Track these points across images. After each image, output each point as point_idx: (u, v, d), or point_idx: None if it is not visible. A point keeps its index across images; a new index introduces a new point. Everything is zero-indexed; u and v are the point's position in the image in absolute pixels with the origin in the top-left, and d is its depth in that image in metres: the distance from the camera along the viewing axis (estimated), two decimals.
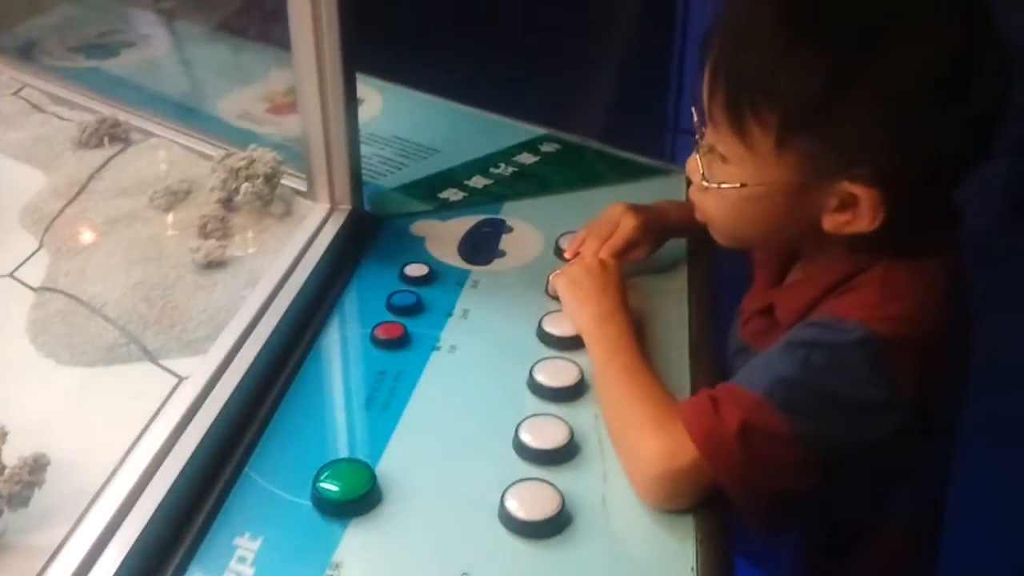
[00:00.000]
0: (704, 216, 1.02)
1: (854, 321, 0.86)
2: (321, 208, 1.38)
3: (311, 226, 1.33)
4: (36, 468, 0.93)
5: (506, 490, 0.89)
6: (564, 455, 0.96)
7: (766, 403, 0.84)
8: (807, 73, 0.83)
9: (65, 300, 1.28)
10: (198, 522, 0.91)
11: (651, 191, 1.18)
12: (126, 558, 0.85)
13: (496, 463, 0.95)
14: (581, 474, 0.94)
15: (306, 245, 1.29)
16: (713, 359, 1.12)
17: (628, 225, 1.20)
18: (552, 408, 1.03)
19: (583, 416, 1.01)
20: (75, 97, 1.99)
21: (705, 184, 0.97)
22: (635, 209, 1.22)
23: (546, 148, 1.66)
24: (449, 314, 1.21)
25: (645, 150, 1.61)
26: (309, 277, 1.24)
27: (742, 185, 0.92)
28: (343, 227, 1.34)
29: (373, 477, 0.93)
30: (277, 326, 1.14)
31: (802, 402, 0.85)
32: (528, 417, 0.99)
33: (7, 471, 0.91)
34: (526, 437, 0.96)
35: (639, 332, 1.09)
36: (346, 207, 1.38)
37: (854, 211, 0.88)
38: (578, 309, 1.11)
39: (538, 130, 1.73)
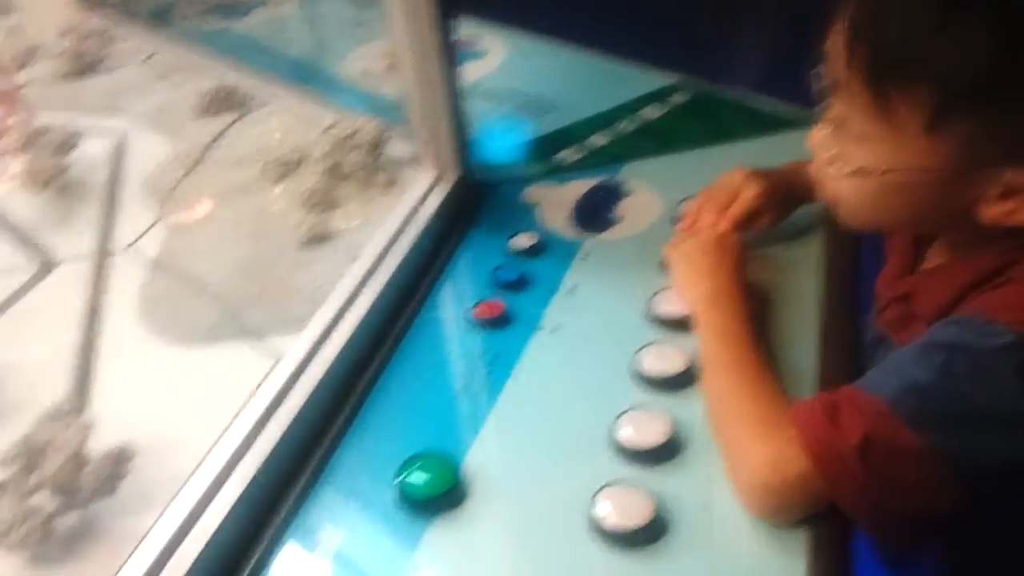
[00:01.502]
0: (831, 197, 0.91)
1: (1002, 325, 0.75)
2: (426, 177, 1.35)
3: (414, 197, 1.31)
4: (120, 460, 0.96)
5: (596, 494, 0.85)
6: (664, 454, 0.90)
7: (894, 414, 0.75)
8: (971, 43, 0.73)
9: (175, 276, 1.32)
10: (281, 512, 0.92)
11: (791, 148, 1.08)
12: (206, 547, 0.87)
13: (590, 461, 0.91)
14: (683, 476, 0.88)
15: (408, 217, 1.27)
16: (846, 349, 1.02)
17: (750, 193, 1.11)
18: (656, 399, 0.97)
19: (689, 409, 0.94)
20: (200, 63, 2.06)
21: (834, 168, 0.88)
22: (758, 175, 1.12)
23: (675, 99, 1.57)
24: (555, 290, 1.16)
25: (791, 101, 1.49)
26: (409, 252, 1.22)
27: (885, 172, 0.82)
28: (448, 197, 1.31)
29: (457, 474, 0.90)
30: (373, 306, 1.13)
31: (937, 414, 0.76)
32: (628, 410, 0.94)
33: (91, 465, 0.95)
34: (624, 433, 0.91)
35: (759, 314, 1.01)
36: (452, 174, 1.34)
37: (1018, 200, 0.77)
38: (688, 288, 1.04)
39: (668, 79, 1.63)
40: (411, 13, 1.22)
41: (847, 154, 0.85)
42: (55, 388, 1.17)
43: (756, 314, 1.00)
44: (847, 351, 1.02)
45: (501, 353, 1.08)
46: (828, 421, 0.77)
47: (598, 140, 1.49)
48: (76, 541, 0.95)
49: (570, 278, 1.18)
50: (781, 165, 1.17)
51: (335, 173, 1.43)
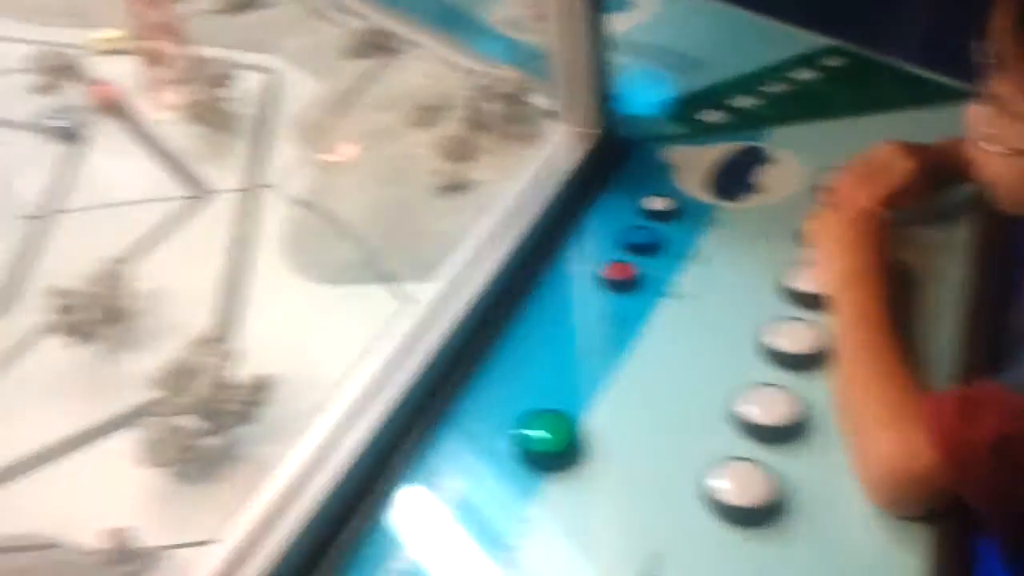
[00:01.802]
0: (987, 178, 0.88)
1: None
2: (565, 131, 1.35)
3: (551, 151, 1.31)
4: (259, 389, 1.02)
5: (714, 468, 0.85)
6: (789, 434, 0.89)
7: None
8: None
9: (316, 216, 1.38)
10: (405, 451, 0.96)
11: (947, 123, 1.03)
12: (336, 481, 0.91)
13: (710, 434, 0.91)
14: (805, 459, 0.87)
15: (544, 172, 1.28)
16: (990, 340, 0.97)
17: (900, 168, 1.06)
18: (783, 377, 0.95)
19: (817, 390, 0.93)
20: (352, 3, 2.10)
21: (992, 147, 0.84)
22: (910, 150, 1.08)
23: (829, 63, 1.51)
24: (686, 256, 1.15)
25: (950, 74, 1.41)
26: (542, 207, 1.23)
27: None
28: (585, 153, 1.31)
29: (574, 433, 0.92)
30: (504, 258, 1.15)
31: None
32: (753, 385, 0.93)
33: (232, 392, 1.01)
34: (748, 409, 0.91)
35: (901, 297, 0.98)
36: (590, 130, 1.34)
37: None
38: (828, 263, 1.02)
39: (824, 41, 1.57)
40: None
41: (1007, 134, 0.82)
42: (203, 315, 1.25)
43: (897, 297, 0.97)
44: (990, 342, 0.97)
45: (627, 316, 1.08)
46: (963, 415, 0.75)
47: (743, 102, 1.45)
48: (216, 463, 1.02)
49: (702, 245, 1.17)
50: (935, 141, 1.12)
51: (475, 123, 1.45)
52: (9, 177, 1.72)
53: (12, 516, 1.00)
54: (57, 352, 1.22)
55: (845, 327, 0.93)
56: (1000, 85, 0.82)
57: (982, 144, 0.86)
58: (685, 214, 1.22)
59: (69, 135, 1.70)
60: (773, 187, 1.25)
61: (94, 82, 1.90)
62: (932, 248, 1.09)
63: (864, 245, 1.00)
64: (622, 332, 1.06)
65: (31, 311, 1.26)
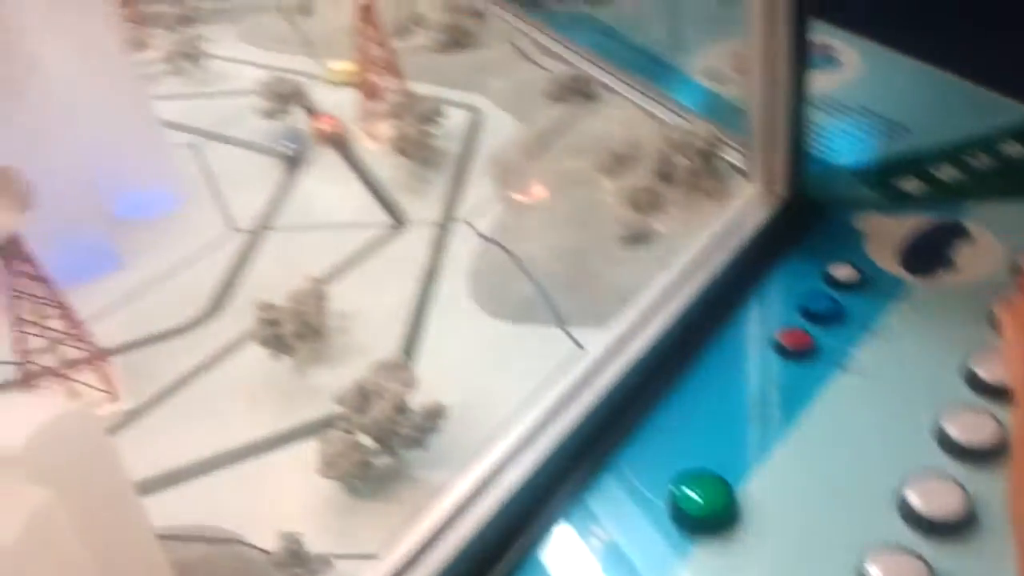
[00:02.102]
0: None
1: None
2: (753, 190, 1.35)
3: (737, 209, 1.32)
4: (433, 416, 1.08)
5: (872, 555, 0.83)
6: (954, 529, 0.85)
7: None
8: None
9: (501, 253, 1.44)
10: (564, 491, 0.99)
11: None
12: (493, 514, 0.95)
13: (873, 519, 0.89)
14: (969, 559, 0.84)
15: (728, 230, 1.28)
16: None
17: None
18: (957, 468, 0.92)
19: (992, 486, 0.89)
20: (561, 48, 2.18)
21: None
22: None
23: None
24: (868, 329, 1.12)
25: None
26: (723, 265, 1.23)
27: None
28: (772, 213, 1.31)
29: (733, 499, 0.92)
30: (677, 313, 1.16)
31: None
32: (924, 473, 0.90)
33: (408, 417, 1.07)
34: (913, 498, 0.88)
35: None
36: (780, 190, 1.33)
37: None
38: (1016, 357, 0.97)
39: None
40: (767, 7, 1.20)
41: None
42: (390, 339, 1.33)
43: None
44: None
45: (800, 386, 1.06)
46: None
47: (946, 173, 1.40)
48: (386, 482, 1.09)
49: (887, 319, 1.13)
50: None
51: (664, 174, 1.48)
52: (230, 191, 1.89)
53: (199, 508, 1.10)
54: (258, 360, 1.33)
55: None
56: None
57: None
58: (872, 285, 1.19)
59: (294, 161, 1.85)
60: (969, 266, 1.20)
61: (318, 114, 2.05)
62: None
63: None
64: (793, 402, 1.05)
65: (239, 318, 1.38)
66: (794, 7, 1.19)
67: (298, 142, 1.87)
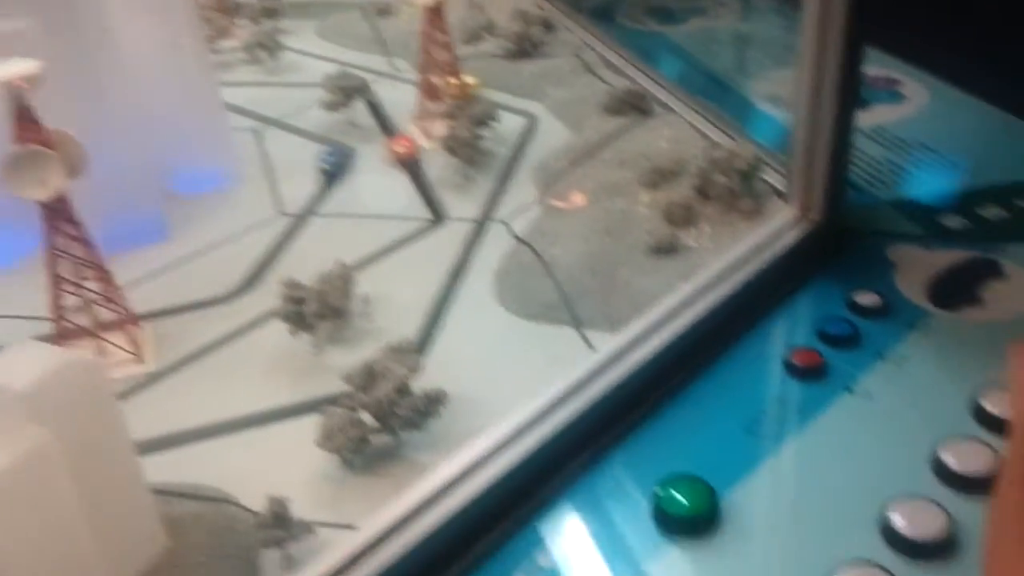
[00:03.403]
0: None
1: None
2: (789, 213, 1.36)
3: (770, 230, 1.32)
4: (433, 401, 1.11)
5: (840, 568, 0.84)
6: (932, 551, 0.85)
7: None
8: None
9: (531, 255, 1.47)
10: (550, 485, 1.01)
11: None
12: (474, 498, 0.98)
13: (854, 536, 0.89)
14: None
15: (756, 249, 1.29)
16: None
17: None
18: (946, 495, 0.91)
19: (978, 514, 0.88)
20: (621, 63, 2.21)
21: None
22: None
23: None
24: (882, 356, 1.13)
25: None
26: (746, 283, 1.24)
27: None
28: (804, 238, 1.31)
29: (715, 506, 0.93)
30: (691, 324, 1.18)
31: None
32: (908, 497, 0.90)
33: (409, 399, 1.11)
34: (896, 519, 0.88)
35: None
36: (816, 215, 1.34)
37: None
38: (1019, 393, 0.96)
39: None
40: (818, 34, 1.21)
41: None
42: (408, 326, 1.38)
43: None
44: None
45: (803, 405, 1.07)
46: None
47: (990, 212, 1.39)
48: (380, 459, 1.12)
49: (903, 348, 1.13)
50: None
51: (702, 191, 1.50)
52: (284, 176, 1.96)
53: (201, 469, 1.15)
54: (280, 336, 1.39)
55: (1013, 465, 0.89)
56: None
57: None
58: (893, 314, 1.19)
59: (331, 176, 1.91)
60: (999, 304, 1.20)
61: (396, 136, 2.08)
62: None
63: None
64: (793, 419, 1.06)
65: (269, 296, 1.44)
66: (846, 33, 1.20)
67: (337, 156, 1.92)
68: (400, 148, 1.98)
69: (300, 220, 1.78)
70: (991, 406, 1.00)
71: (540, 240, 1.52)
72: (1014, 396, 0.98)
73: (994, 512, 0.86)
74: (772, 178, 1.49)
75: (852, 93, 1.27)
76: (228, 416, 1.25)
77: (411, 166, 1.94)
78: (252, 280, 1.59)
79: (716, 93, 1.99)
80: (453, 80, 2.08)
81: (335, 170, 1.92)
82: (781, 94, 1.91)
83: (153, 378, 1.39)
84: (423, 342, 1.34)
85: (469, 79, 2.16)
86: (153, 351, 1.46)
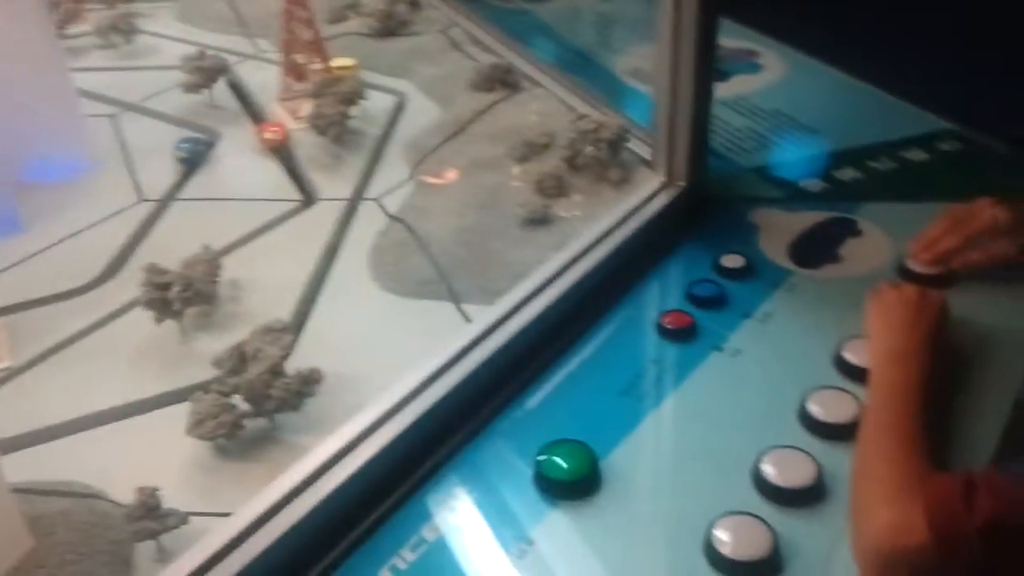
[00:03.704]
0: None
1: None
2: (656, 180, 1.38)
3: (638, 198, 1.35)
4: (308, 381, 1.09)
5: (717, 519, 0.86)
6: (803, 498, 0.89)
7: None
8: None
9: (405, 231, 1.46)
10: (434, 458, 1.00)
11: None
12: (356, 472, 0.96)
13: (728, 488, 0.92)
14: (814, 524, 0.87)
15: (626, 216, 1.32)
16: None
17: (988, 215, 1.08)
18: (814, 444, 0.95)
19: (843, 460, 0.92)
20: (489, 40, 2.20)
21: None
22: (1007, 203, 1.09)
23: (943, 146, 1.49)
24: (748, 315, 1.16)
25: None
26: (617, 249, 1.26)
27: None
28: (670, 204, 1.34)
29: (594, 468, 0.94)
30: (564, 293, 1.19)
31: None
32: (778, 447, 0.93)
33: (283, 380, 1.08)
34: (767, 469, 0.91)
35: (949, 382, 0.97)
36: (680, 183, 1.37)
37: None
38: (876, 339, 1.01)
39: (942, 123, 1.55)
40: (674, 8, 1.23)
41: None
42: (281, 308, 1.34)
43: (944, 379, 0.96)
44: None
45: (676, 364, 1.10)
46: (961, 497, 0.74)
47: (846, 174, 1.45)
48: (256, 444, 1.09)
49: (767, 307, 1.17)
50: None
51: (572, 162, 1.51)
52: (144, 161, 1.88)
53: (67, 466, 1.10)
54: (145, 324, 1.33)
55: (876, 402, 0.93)
56: None
57: None
58: (758, 275, 1.23)
59: (190, 163, 1.82)
60: (856, 260, 1.25)
61: (264, 123, 1.96)
62: (996, 337, 1.07)
63: (917, 325, 1.00)
64: (667, 379, 1.08)
65: (133, 285, 1.38)
66: (701, 7, 1.23)
67: (194, 143, 1.84)
68: (270, 134, 1.91)
69: (162, 206, 1.71)
70: (853, 357, 1.04)
71: (413, 217, 1.51)
72: (870, 338, 1.03)
73: (858, 450, 0.91)
74: (639, 148, 1.51)
75: (709, 64, 1.30)
76: (94, 410, 1.19)
77: (281, 151, 1.88)
78: (113, 269, 1.52)
79: (582, 68, 2.01)
80: (320, 64, 2.03)
81: (193, 158, 1.84)
82: (644, 68, 1.94)
83: (11, 374, 1.31)
84: (298, 324, 1.31)
85: (345, 61, 2.10)
86: (9, 347, 1.38)
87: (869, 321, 1.06)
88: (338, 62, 2.07)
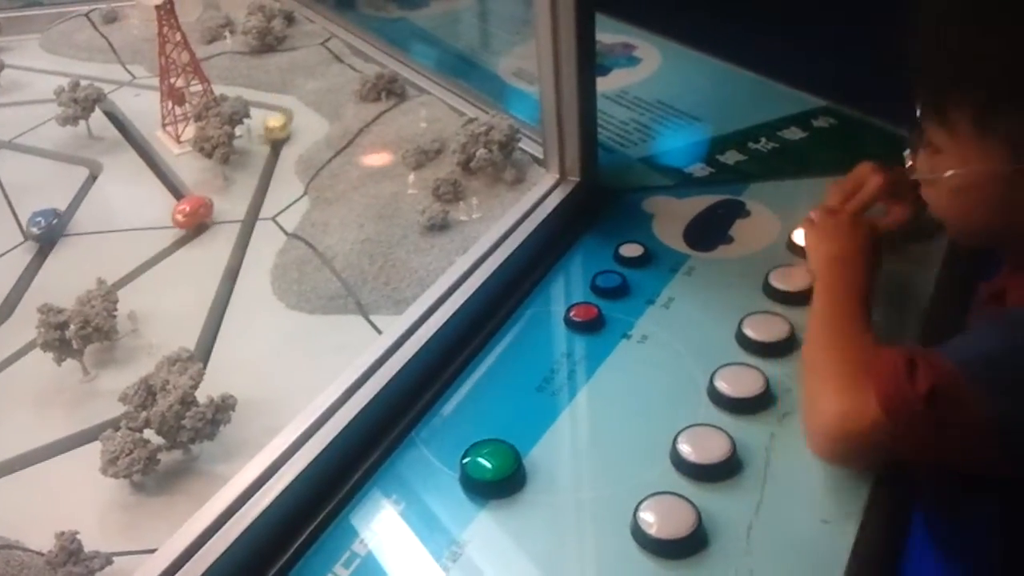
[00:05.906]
0: (936, 212, 0.98)
1: None
2: (550, 178, 1.40)
3: (534, 196, 1.37)
4: (222, 408, 1.07)
5: (641, 502, 0.88)
6: (721, 472, 0.92)
7: (962, 374, 0.80)
8: (1003, 53, 0.81)
9: (305, 248, 1.44)
10: (359, 472, 1.00)
11: None
12: (280, 496, 0.95)
13: (648, 470, 0.94)
14: (734, 496, 0.90)
15: (524, 215, 1.33)
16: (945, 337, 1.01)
17: (874, 183, 1.15)
18: (725, 419, 0.99)
19: (755, 432, 0.96)
20: (370, 50, 2.19)
21: (916, 176, 0.96)
22: (886, 168, 1.16)
23: (819, 123, 1.56)
24: (651, 301, 1.19)
25: None
26: (519, 249, 1.28)
27: (948, 176, 0.90)
28: (566, 200, 1.36)
29: (518, 465, 0.96)
30: (473, 296, 1.20)
31: (1002, 381, 0.80)
32: (692, 426, 0.96)
33: (196, 409, 1.06)
34: (684, 448, 0.94)
35: (877, 292, 1.04)
36: (573, 177, 1.39)
37: None
38: (816, 247, 1.09)
39: (816, 101, 1.62)
40: (551, 6, 1.25)
41: (930, 166, 0.94)
42: (186, 337, 1.31)
43: (875, 284, 1.04)
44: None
45: (587, 356, 1.12)
46: (905, 373, 0.82)
47: (730, 158, 1.50)
48: (174, 477, 1.06)
49: (669, 291, 1.21)
50: None
51: (466, 166, 1.52)
52: (24, 199, 1.80)
53: None
54: (44, 365, 1.28)
55: (821, 300, 1.01)
56: (935, 135, 0.91)
57: (925, 185, 0.97)
58: (657, 261, 1.27)
59: (45, 238, 1.67)
60: (748, 239, 1.29)
61: (185, 198, 1.73)
62: (913, 258, 1.18)
63: (852, 234, 1.08)
64: (581, 371, 1.10)
65: (26, 327, 1.32)
66: (576, 4, 1.25)
67: (49, 216, 1.70)
68: (184, 215, 1.71)
69: (49, 243, 1.65)
70: (753, 332, 1.08)
71: (312, 232, 1.49)
72: (810, 253, 1.11)
73: (807, 339, 0.99)
74: (530, 147, 1.53)
75: (591, 60, 1.33)
76: (1, 458, 1.14)
77: (202, 227, 1.67)
78: (5, 313, 1.46)
79: (466, 72, 2.02)
80: (200, 85, 1.98)
81: (48, 233, 1.71)
82: (527, 68, 1.97)
83: None
84: (204, 351, 1.29)
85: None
86: None
87: (808, 242, 1.13)
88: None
